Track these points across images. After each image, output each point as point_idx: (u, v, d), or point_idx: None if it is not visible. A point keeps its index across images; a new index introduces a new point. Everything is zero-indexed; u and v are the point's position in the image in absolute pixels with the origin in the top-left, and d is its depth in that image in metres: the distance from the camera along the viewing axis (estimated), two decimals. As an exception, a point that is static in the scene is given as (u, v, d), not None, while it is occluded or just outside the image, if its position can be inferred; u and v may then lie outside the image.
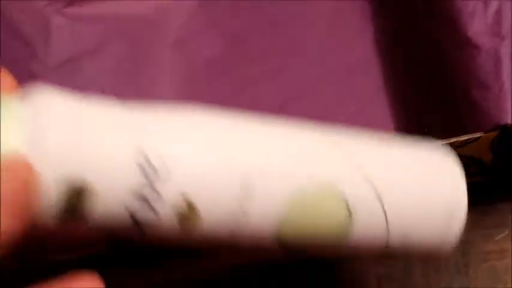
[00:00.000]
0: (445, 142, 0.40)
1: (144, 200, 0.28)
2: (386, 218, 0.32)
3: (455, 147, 0.40)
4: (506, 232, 0.45)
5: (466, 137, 0.40)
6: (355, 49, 0.50)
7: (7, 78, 0.29)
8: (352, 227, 0.32)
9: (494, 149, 0.42)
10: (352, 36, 0.51)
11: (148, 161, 0.28)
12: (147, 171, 0.28)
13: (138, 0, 0.52)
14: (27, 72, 0.48)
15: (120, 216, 0.28)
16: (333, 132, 0.34)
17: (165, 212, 0.28)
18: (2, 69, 0.29)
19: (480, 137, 0.40)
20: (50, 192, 0.27)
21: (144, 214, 0.28)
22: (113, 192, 0.28)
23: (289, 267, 0.45)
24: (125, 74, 0.49)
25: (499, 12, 0.42)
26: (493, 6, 0.42)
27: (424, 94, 0.48)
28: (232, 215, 0.29)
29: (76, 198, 0.27)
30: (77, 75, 0.49)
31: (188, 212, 0.29)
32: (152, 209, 0.28)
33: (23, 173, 0.26)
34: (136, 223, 0.29)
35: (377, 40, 0.50)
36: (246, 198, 0.29)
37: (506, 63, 0.41)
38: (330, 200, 0.31)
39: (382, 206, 0.32)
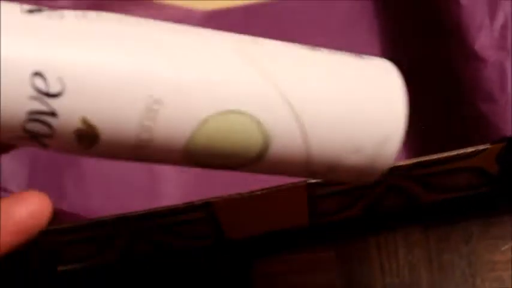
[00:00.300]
0: (453, 153, 0.40)
1: (39, 114, 0.27)
2: (306, 135, 0.30)
3: (462, 158, 0.41)
4: (513, 243, 0.45)
5: (473, 149, 0.40)
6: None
7: None
8: (268, 146, 0.30)
9: (501, 160, 0.42)
10: (360, 46, 0.51)
11: (41, 74, 0.26)
12: (39, 85, 0.26)
13: (145, 15, 0.52)
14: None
15: (16, 129, 0.27)
16: (255, 46, 0.31)
17: (61, 128, 0.27)
18: None
19: (487, 148, 0.40)
20: None
21: (39, 129, 0.27)
22: (7, 105, 0.26)
23: (289, 274, 0.45)
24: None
25: (505, 27, 0.42)
26: (500, 21, 0.42)
27: (430, 105, 0.49)
28: (135, 134, 0.28)
29: None
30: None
31: (86, 128, 0.27)
32: (47, 124, 0.27)
33: None
34: (33, 137, 0.27)
35: (383, 50, 0.51)
36: (150, 117, 0.28)
37: (512, 76, 0.41)
38: (242, 118, 0.29)
39: (302, 125, 0.29)
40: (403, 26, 0.51)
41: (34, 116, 0.27)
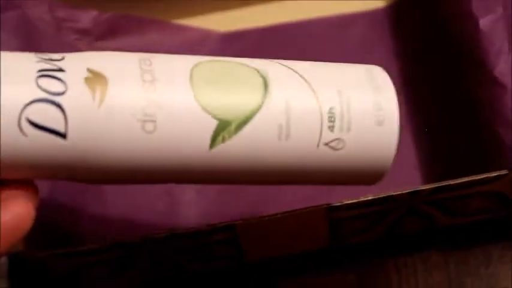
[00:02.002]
0: (473, 178, 0.40)
1: (47, 71, 0.30)
2: (305, 81, 0.34)
3: (482, 183, 0.41)
4: (531, 266, 0.45)
5: (494, 174, 0.40)
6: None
7: None
8: (270, 86, 0.32)
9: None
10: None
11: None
12: (42, 55, 0.30)
13: (162, 35, 0.53)
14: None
15: (31, 90, 0.29)
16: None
17: (71, 80, 0.30)
18: None
19: (507, 173, 0.41)
20: None
21: (52, 85, 0.29)
22: (17, 71, 0.29)
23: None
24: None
25: (524, 53, 0.43)
26: (519, 47, 0.43)
27: (451, 129, 0.49)
28: (139, 76, 0.31)
29: None
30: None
31: (94, 76, 0.30)
32: (59, 79, 0.30)
33: None
34: (49, 94, 0.29)
35: (401, 72, 0.51)
36: (148, 65, 0.31)
37: (532, 103, 0.42)
38: (235, 66, 0.33)
39: (299, 74, 0.34)
40: (422, 49, 0.51)
41: (44, 72, 0.29)
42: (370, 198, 0.41)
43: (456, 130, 0.49)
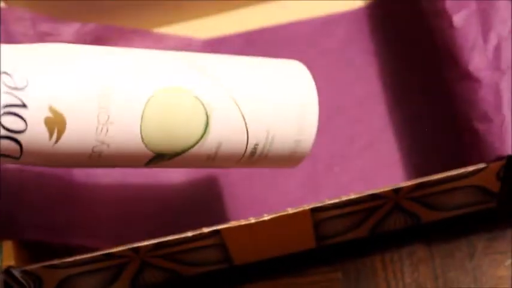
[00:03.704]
0: (453, 173, 0.41)
1: (11, 107, 0.32)
2: (244, 118, 0.37)
3: (462, 177, 0.42)
4: (516, 256, 0.46)
5: (473, 168, 0.41)
6: (364, 83, 0.52)
7: None
8: (211, 125, 0.36)
9: (501, 177, 0.43)
10: (361, 72, 0.52)
11: (9, 75, 0.32)
12: (8, 82, 0.32)
13: (145, 45, 0.53)
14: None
15: None
16: (194, 55, 0.38)
17: (32, 120, 0.32)
18: None
19: (486, 167, 0.41)
20: None
21: (14, 124, 0.32)
22: None
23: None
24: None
25: (498, 48, 0.43)
26: (493, 42, 0.43)
27: (429, 125, 0.49)
28: (95, 118, 0.34)
29: None
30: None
31: (54, 117, 0.33)
32: (21, 117, 0.32)
33: None
34: (9, 132, 0.32)
35: (382, 70, 0.52)
36: (106, 102, 0.34)
37: (507, 96, 0.42)
38: (186, 99, 0.36)
39: (239, 108, 0.37)
40: (402, 47, 0.52)
41: (8, 109, 0.32)
42: (352, 197, 0.41)
43: (436, 126, 0.49)
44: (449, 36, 0.44)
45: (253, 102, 0.37)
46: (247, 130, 0.37)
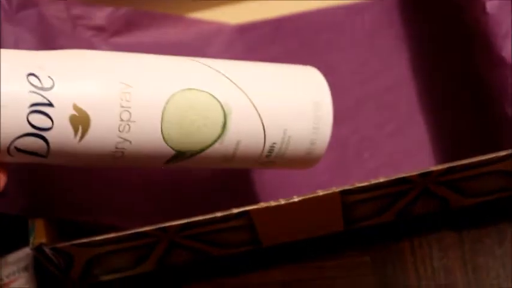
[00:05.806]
0: (484, 157, 0.41)
1: (38, 106, 0.33)
2: (260, 117, 0.38)
3: (493, 162, 0.42)
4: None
5: (504, 153, 0.41)
6: (393, 69, 0.52)
7: None
8: (229, 123, 0.37)
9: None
10: (390, 58, 0.52)
11: (36, 76, 0.34)
12: (35, 83, 0.33)
13: (176, 30, 0.54)
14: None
15: (22, 126, 0.33)
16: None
17: (58, 118, 0.34)
18: None
19: (517, 152, 0.41)
20: None
21: (41, 121, 0.33)
22: (12, 105, 0.33)
23: (323, 279, 0.46)
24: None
25: (530, 34, 0.43)
26: (526, 28, 0.43)
27: (460, 110, 0.49)
28: (117, 115, 0.35)
29: None
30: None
31: (79, 115, 0.34)
32: (47, 115, 0.34)
33: None
34: (37, 129, 0.34)
35: (412, 57, 0.52)
36: (127, 101, 0.35)
37: (540, 82, 0.42)
38: (204, 99, 0.37)
39: (255, 107, 0.38)
40: (432, 34, 0.52)
41: (35, 108, 0.33)
42: (381, 180, 0.41)
43: (467, 111, 0.49)
44: (482, 23, 0.44)
45: (269, 102, 0.38)
46: (264, 129, 0.38)
